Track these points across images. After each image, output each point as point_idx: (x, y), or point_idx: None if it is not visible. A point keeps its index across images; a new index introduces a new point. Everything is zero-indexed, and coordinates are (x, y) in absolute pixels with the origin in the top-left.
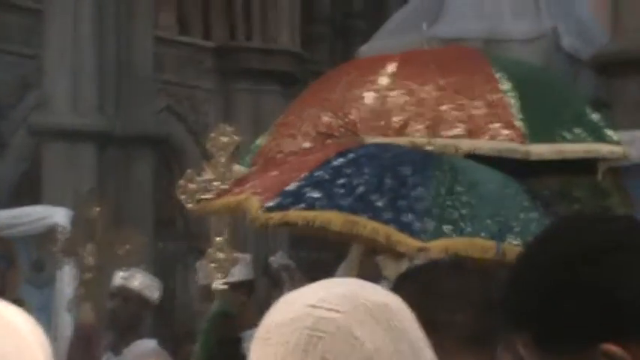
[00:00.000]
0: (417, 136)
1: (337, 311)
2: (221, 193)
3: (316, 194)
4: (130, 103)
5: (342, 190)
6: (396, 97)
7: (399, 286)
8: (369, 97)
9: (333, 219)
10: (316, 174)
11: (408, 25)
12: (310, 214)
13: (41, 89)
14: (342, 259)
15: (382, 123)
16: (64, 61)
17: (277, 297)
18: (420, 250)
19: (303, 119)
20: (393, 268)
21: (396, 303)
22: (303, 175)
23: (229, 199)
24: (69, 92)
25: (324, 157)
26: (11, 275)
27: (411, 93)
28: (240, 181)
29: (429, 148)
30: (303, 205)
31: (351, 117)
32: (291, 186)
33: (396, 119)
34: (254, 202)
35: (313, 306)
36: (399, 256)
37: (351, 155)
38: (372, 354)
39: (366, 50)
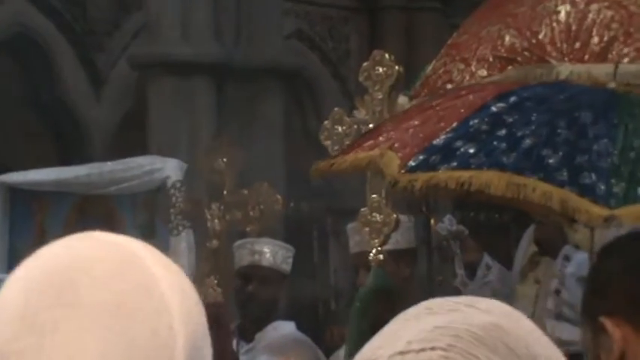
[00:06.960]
0: (625, 61)
1: (432, 349)
2: (348, 148)
3: (471, 149)
4: (253, 27)
5: (503, 144)
6: (599, 11)
7: (604, 262)
8: (564, 11)
9: (494, 180)
10: (471, 123)
11: None
12: (465, 175)
13: (144, 12)
14: (523, 219)
15: (578, 45)
16: None
17: (446, 272)
18: (607, 219)
19: (480, 39)
20: (584, 234)
21: (507, 321)
22: (453, 125)
23: (358, 156)
24: (178, 15)
25: (481, 100)
26: None
27: (617, 6)
28: (372, 132)
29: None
30: (454, 164)
31: (540, 37)
32: (440, 139)
33: (597, 40)
34: (393, 160)
35: (401, 353)
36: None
37: (513, 98)
38: None
39: None
